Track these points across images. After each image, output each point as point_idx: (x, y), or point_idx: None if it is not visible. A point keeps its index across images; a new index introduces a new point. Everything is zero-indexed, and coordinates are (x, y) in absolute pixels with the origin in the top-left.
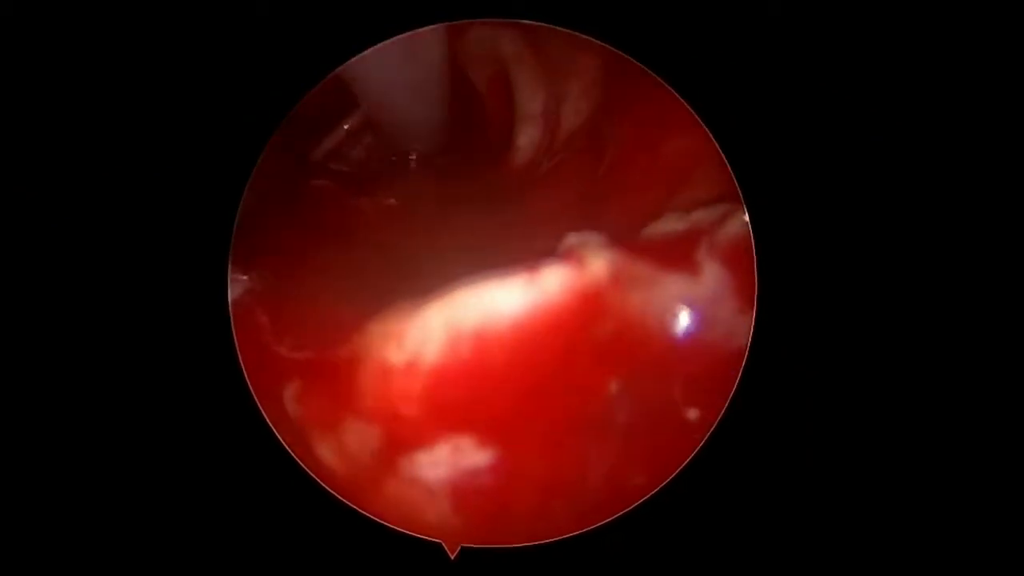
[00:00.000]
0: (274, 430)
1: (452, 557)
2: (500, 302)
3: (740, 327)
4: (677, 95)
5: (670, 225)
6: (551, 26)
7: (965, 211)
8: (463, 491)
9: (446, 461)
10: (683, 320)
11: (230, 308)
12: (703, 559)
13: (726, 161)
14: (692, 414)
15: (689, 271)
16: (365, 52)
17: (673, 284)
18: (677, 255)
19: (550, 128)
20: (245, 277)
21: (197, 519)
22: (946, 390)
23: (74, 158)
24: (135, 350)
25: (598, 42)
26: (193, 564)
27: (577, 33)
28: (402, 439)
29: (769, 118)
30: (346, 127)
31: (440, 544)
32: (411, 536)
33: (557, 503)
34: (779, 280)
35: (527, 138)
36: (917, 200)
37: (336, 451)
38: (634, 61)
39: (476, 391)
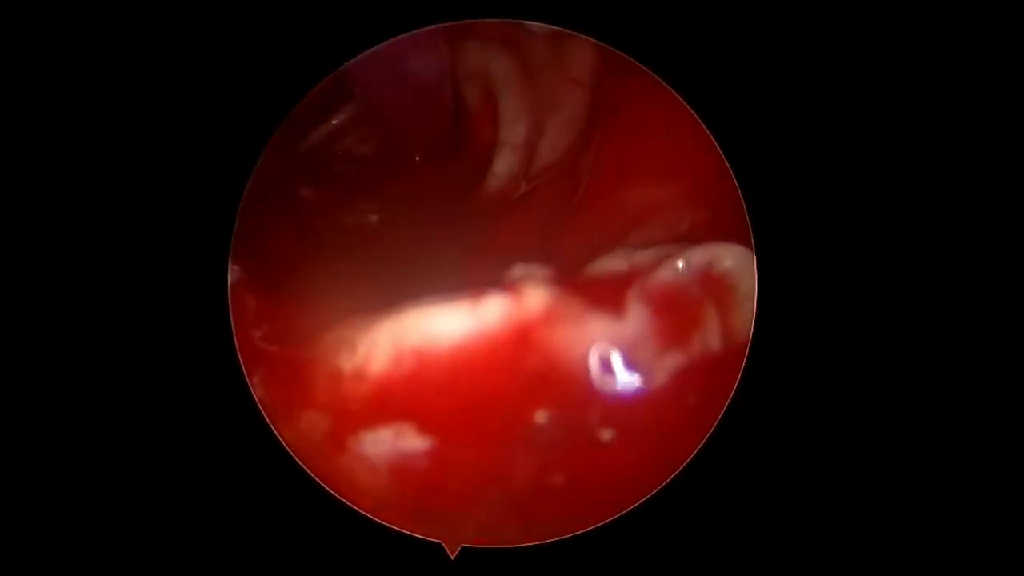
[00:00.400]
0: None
1: (452, 557)
2: (442, 326)
3: (658, 370)
4: (691, 110)
5: (612, 264)
6: (552, 27)
7: (965, 212)
8: (401, 468)
9: (388, 441)
10: (603, 364)
11: (229, 293)
12: (703, 559)
13: (736, 180)
14: (606, 434)
15: (615, 312)
16: (365, 52)
17: (598, 323)
18: (609, 294)
19: (528, 158)
20: (238, 267)
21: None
22: (943, 396)
23: (76, 156)
24: (142, 335)
25: (600, 49)
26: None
27: (578, 33)
28: (348, 426)
29: (768, 118)
30: (343, 128)
31: (440, 544)
32: (411, 536)
33: (488, 488)
34: (779, 284)
35: (505, 165)
36: (917, 201)
37: (293, 432)
38: (634, 62)
39: (414, 401)
